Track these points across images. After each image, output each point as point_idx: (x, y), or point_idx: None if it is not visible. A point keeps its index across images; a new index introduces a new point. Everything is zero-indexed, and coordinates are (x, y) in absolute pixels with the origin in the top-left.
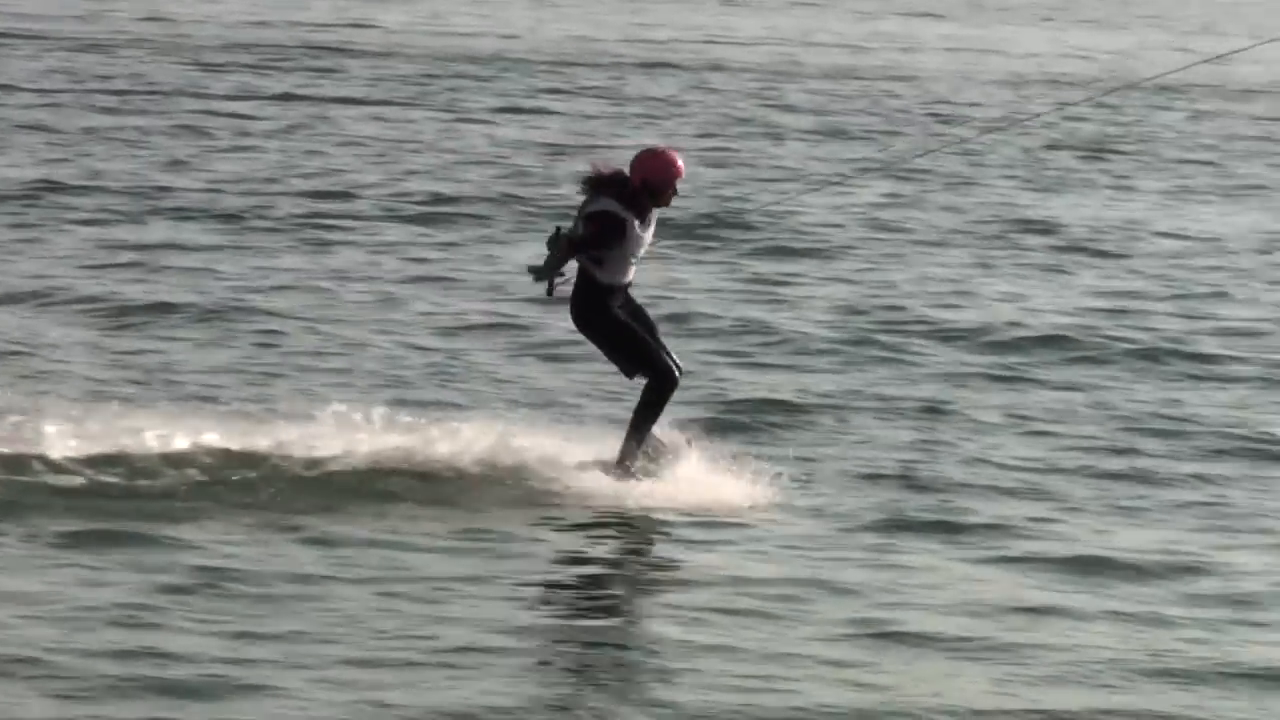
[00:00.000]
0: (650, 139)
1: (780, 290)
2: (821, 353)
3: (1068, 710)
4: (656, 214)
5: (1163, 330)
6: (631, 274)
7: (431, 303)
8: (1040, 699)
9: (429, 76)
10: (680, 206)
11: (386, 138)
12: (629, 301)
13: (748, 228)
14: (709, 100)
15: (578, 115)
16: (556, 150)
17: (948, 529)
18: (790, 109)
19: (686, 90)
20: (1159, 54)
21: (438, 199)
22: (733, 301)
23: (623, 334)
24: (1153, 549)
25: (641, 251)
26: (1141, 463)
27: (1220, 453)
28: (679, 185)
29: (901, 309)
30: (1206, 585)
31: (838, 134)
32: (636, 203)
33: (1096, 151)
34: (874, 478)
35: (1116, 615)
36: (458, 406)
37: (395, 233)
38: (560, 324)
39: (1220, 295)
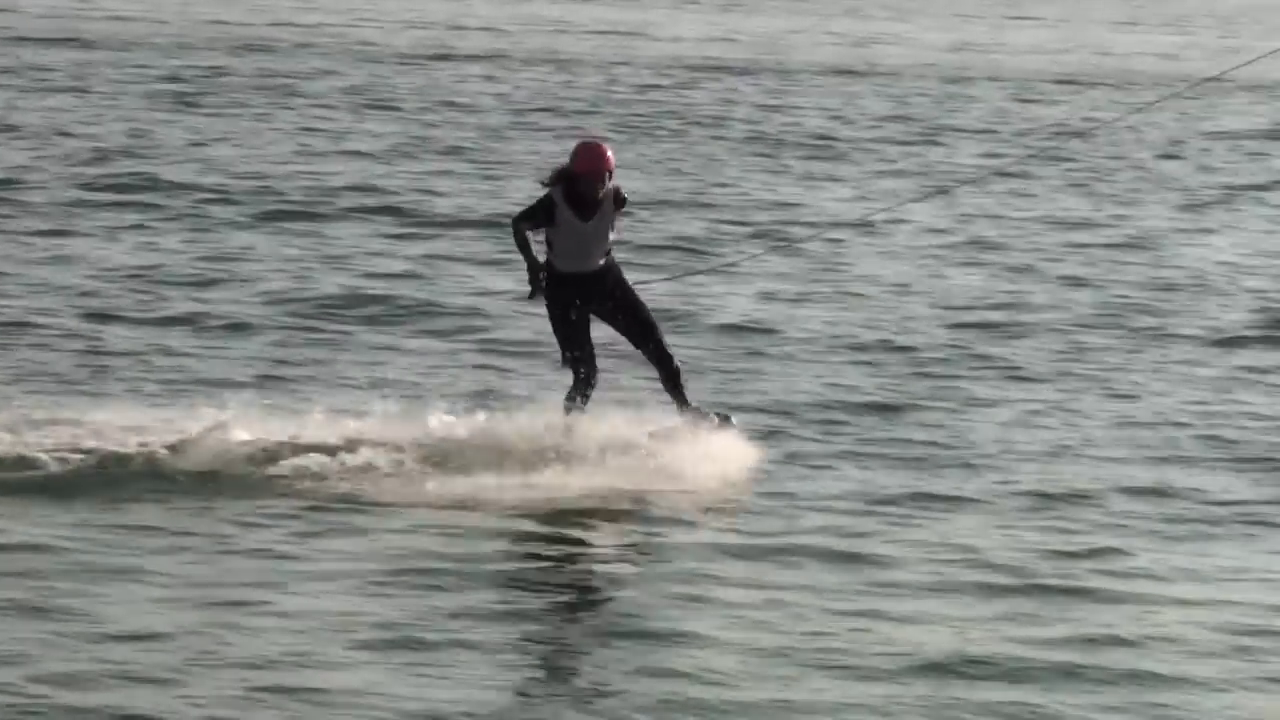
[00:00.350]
0: (313, 124)
1: (429, 271)
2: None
3: (727, 699)
4: (611, 210)
5: (822, 317)
6: (588, 265)
7: (73, 286)
8: (689, 688)
9: (78, 64)
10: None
11: (34, 124)
12: (614, 293)
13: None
14: (358, 85)
15: (229, 100)
16: (204, 138)
17: (618, 517)
18: (440, 93)
19: (335, 75)
20: (806, 37)
21: (88, 185)
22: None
23: (560, 331)
24: (811, 535)
25: (591, 244)
26: (801, 448)
27: (881, 440)
28: (604, 177)
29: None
30: (864, 572)
31: (486, 116)
32: (574, 192)
33: (755, 136)
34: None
35: (771, 602)
36: (110, 394)
37: (39, 219)
38: (204, 303)
39: (878, 280)
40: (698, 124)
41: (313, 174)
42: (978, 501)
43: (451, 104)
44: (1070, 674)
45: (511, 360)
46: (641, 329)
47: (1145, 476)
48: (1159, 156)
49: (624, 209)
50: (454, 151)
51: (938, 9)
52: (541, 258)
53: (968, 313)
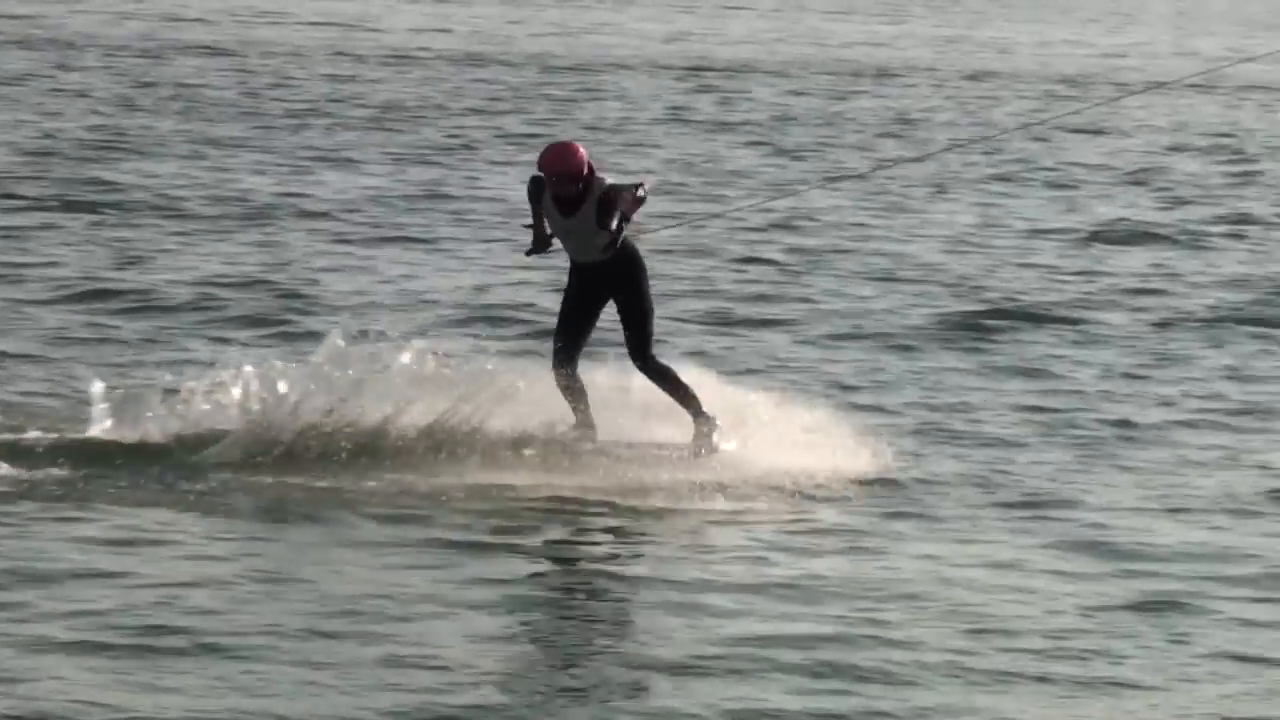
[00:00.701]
0: (33, 118)
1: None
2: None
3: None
4: (592, 207)
5: (541, 304)
6: (581, 257)
7: None
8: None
9: None
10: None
11: None
12: (619, 295)
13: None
14: (78, 78)
15: None
16: None
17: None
18: (164, 86)
19: (55, 67)
20: (523, 28)
21: None
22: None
23: (560, 310)
24: (535, 532)
25: (574, 239)
26: None
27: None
28: (573, 176)
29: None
30: (581, 567)
31: (207, 108)
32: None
33: (478, 127)
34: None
35: (501, 599)
36: None
37: None
38: None
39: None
40: (420, 117)
41: (35, 165)
42: (703, 493)
43: (174, 96)
44: (794, 669)
45: (237, 349)
46: (630, 340)
47: (869, 467)
48: (880, 142)
49: (610, 208)
50: (178, 142)
51: None
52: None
53: (682, 305)
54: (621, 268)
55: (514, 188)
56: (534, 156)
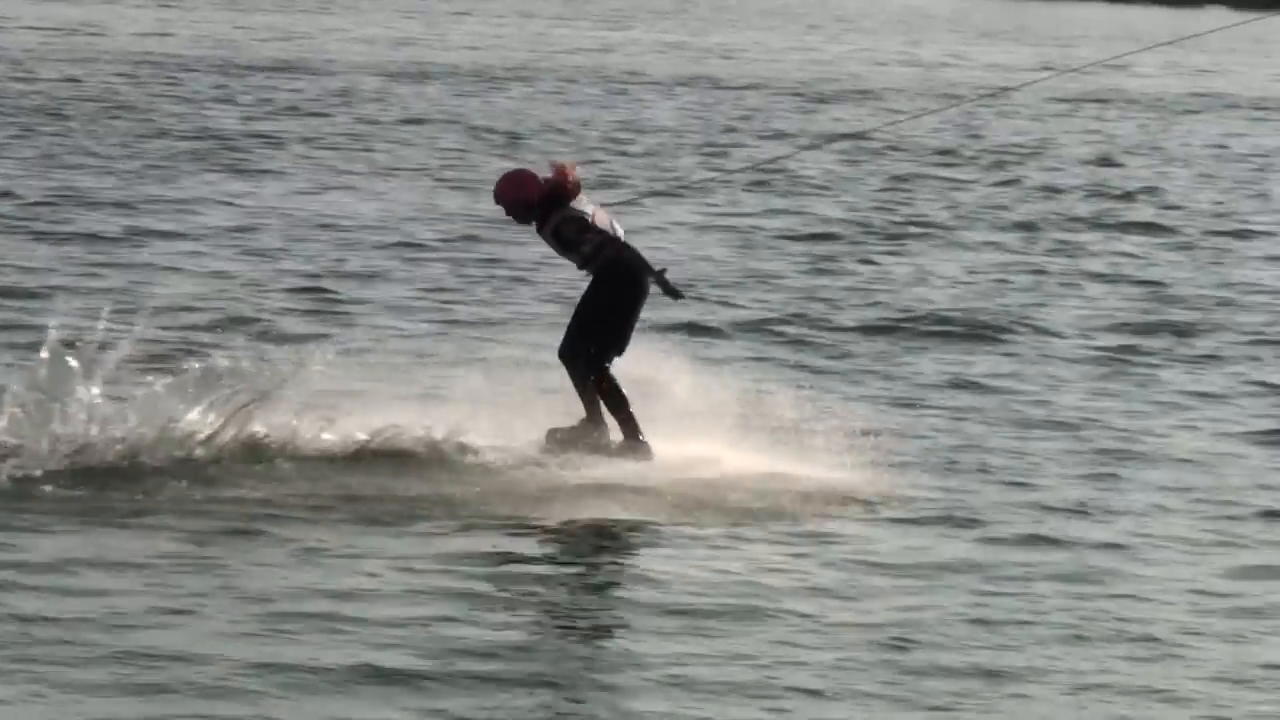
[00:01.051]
0: None
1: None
2: None
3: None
4: (551, 227)
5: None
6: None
7: None
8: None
9: None
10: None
11: None
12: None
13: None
14: None
15: None
16: None
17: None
18: None
19: None
20: (247, 33)
21: None
22: None
23: None
24: (258, 538)
25: (553, 252)
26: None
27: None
28: (519, 202)
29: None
30: (318, 573)
31: None
32: None
33: (207, 134)
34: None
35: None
36: None
37: None
38: None
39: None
40: (148, 121)
41: None
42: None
43: None
44: (497, 677)
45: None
46: (565, 332)
47: (604, 475)
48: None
49: (563, 240)
50: None
51: (382, 4)
52: None
53: (427, 314)
54: (601, 274)
55: (251, 193)
56: (268, 163)
